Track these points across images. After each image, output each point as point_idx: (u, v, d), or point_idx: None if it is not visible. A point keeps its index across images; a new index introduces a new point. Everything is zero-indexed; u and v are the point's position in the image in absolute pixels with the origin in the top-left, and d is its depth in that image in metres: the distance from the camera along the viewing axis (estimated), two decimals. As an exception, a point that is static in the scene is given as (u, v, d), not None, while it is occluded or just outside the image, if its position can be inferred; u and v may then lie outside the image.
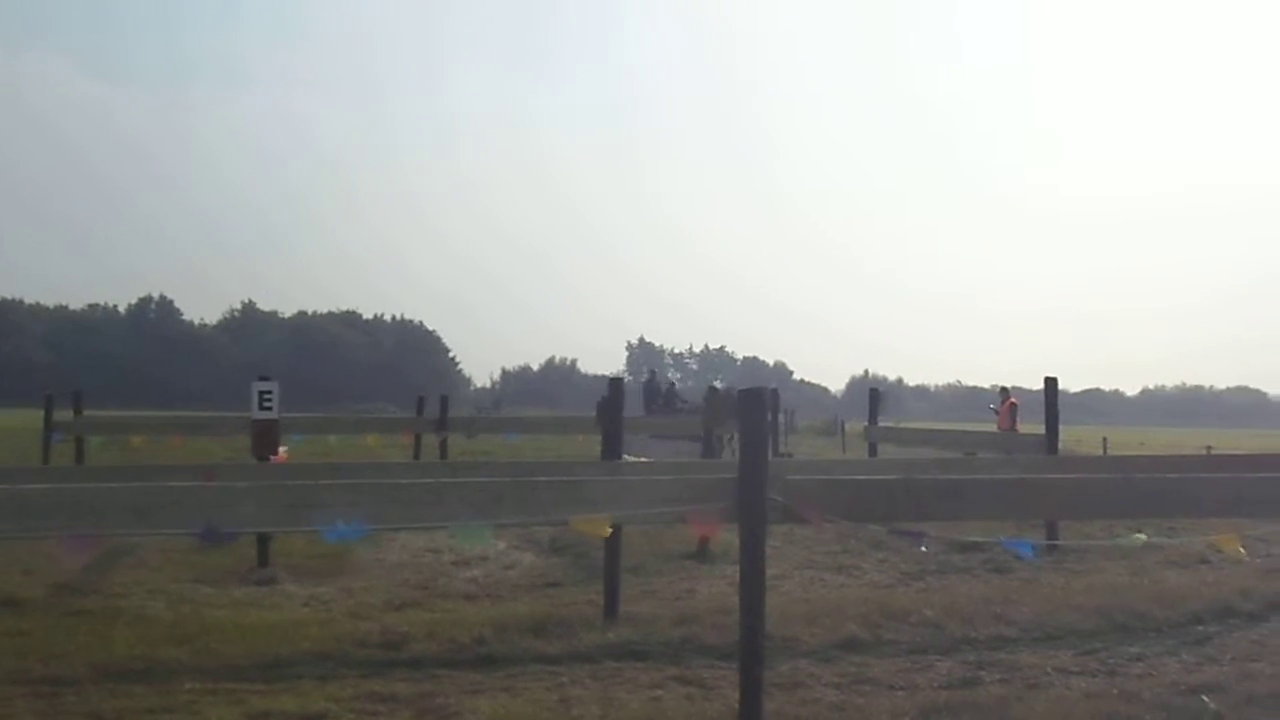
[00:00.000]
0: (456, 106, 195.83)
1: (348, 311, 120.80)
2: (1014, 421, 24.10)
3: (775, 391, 18.95)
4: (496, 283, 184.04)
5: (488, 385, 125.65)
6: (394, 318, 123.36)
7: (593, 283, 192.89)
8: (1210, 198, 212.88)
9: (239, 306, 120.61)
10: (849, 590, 9.56)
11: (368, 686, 6.35)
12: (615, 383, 9.27)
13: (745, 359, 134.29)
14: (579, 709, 5.94)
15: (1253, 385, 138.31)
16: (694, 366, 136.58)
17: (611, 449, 8.66)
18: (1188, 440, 39.64)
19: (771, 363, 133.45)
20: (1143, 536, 6.77)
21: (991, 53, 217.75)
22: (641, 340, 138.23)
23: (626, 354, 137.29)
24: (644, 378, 36.40)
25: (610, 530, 5.73)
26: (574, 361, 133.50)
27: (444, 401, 19.06)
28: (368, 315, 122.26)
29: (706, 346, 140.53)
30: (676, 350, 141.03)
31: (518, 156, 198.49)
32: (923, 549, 6.43)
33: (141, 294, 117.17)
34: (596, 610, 8.24)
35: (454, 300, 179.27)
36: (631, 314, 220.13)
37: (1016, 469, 10.05)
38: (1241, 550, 6.90)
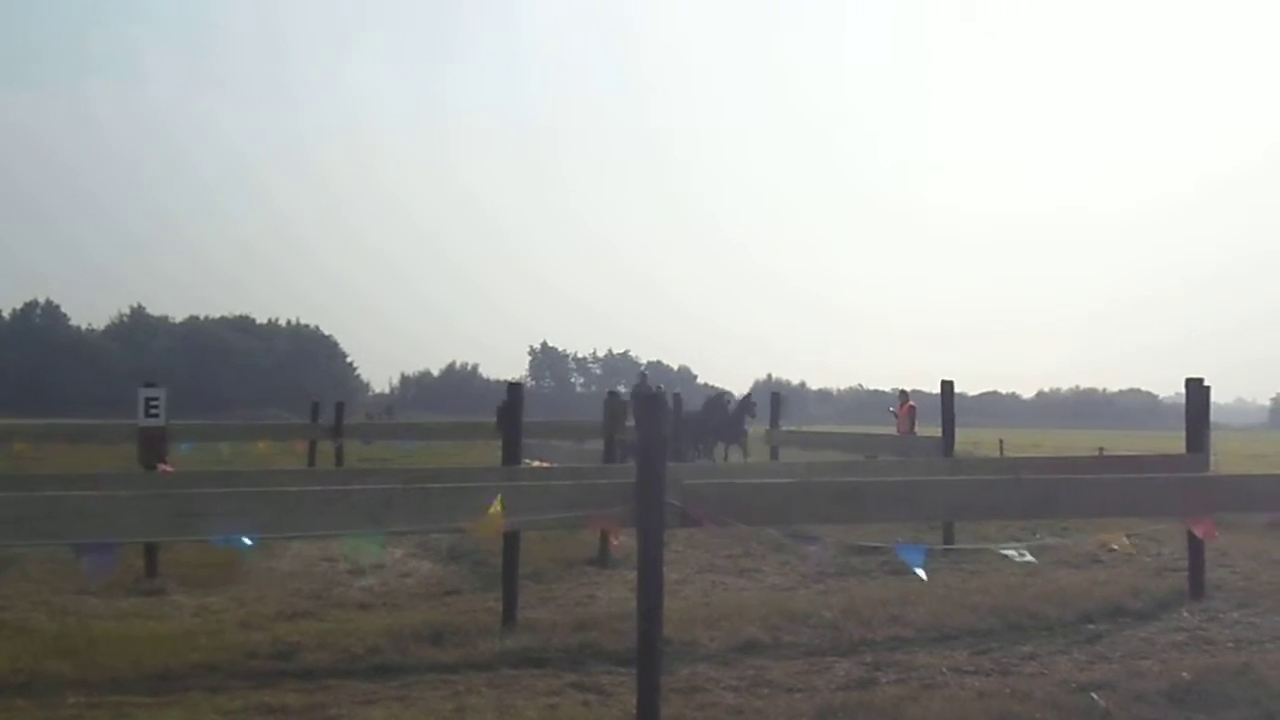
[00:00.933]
0: (364, 108, 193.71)
1: (241, 316, 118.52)
2: (913, 424, 24.53)
3: (678, 395, 19.09)
4: (398, 286, 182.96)
5: (386, 390, 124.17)
6: (289, 322, 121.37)
7: (496, 286, 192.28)
8: (1105, 214, 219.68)
9: (128, 311, 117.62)
10: (749, 593, 9.65)
11: (258, 698, 6.25)
12: (514, 387, 9.25)
13: (650, 363, 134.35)
14: (474, 717, 5.91)
15: (1144, 388, 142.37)
16: (598, 371, 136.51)
17: (510, 455, 8.65)
18: (1081, 442, 40.67)
19: (676, 367, 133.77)
20: (1027, 556, 6.97)
21: (898, 74, 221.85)
22: (545, 345, 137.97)
23: (529, 359, 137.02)
24: (634, 381, 30.73)
25: (502, 526, 5.66)
26: (475, 367, 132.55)
27: (339, 408, 18.85)
28: (262, 320, 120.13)
29: (610, 351, 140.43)
30: (580, 355, 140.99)
31: (424, 158, 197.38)
32: (812, 553, 6.49)
33: (27, 298, 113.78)
34: (494, 618, 8.21)
35: (353, 304, 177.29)
36: (535, 318, 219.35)
37: (913, 471, 10.24)
38: (1125, 542, 7.11)
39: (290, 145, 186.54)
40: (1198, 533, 8.01)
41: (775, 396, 18.28)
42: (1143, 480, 7.43)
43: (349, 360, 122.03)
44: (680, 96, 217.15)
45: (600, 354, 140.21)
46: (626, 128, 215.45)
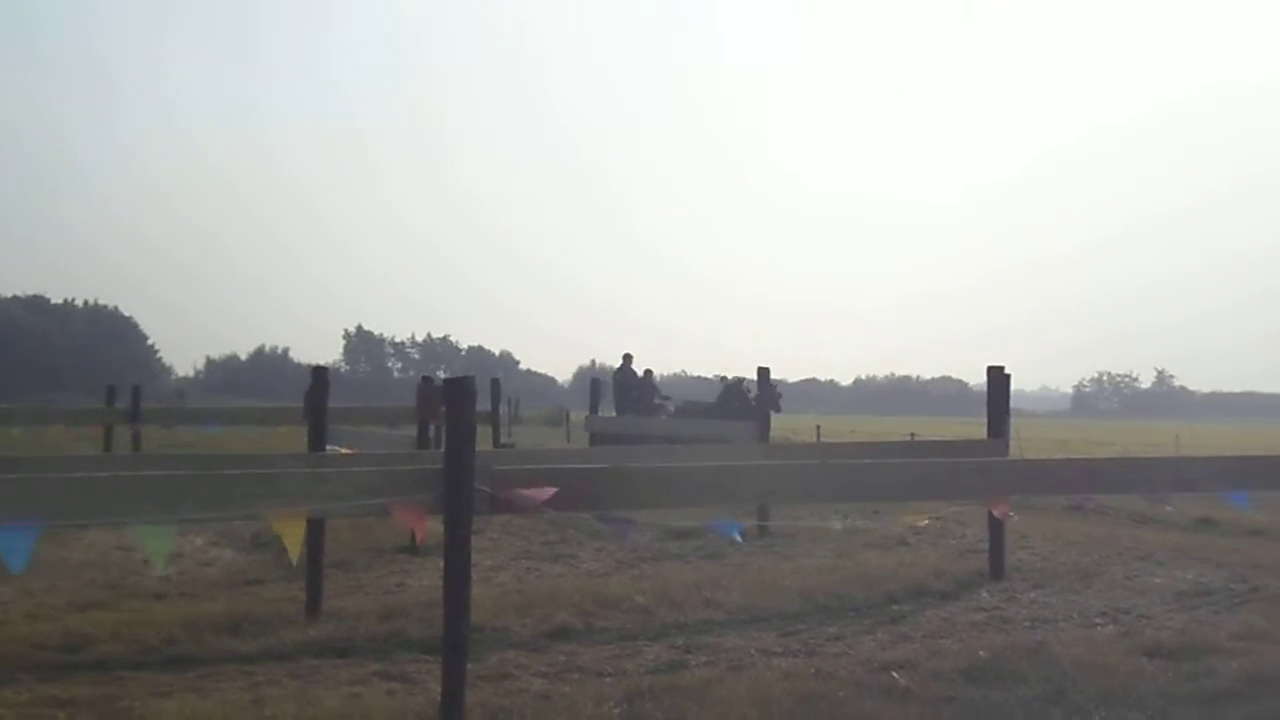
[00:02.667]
0: (178, 78, 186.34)
1: (34, 296, 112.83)
2: (730, 409, 25.07)
3: (496, 381, 18.89)
4: (206, 265, 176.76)
5: (191, 374, 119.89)
6: (86, 303, 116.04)
7: (309, 267, 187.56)
8: (929, 205, 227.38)
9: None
10: (564, 579, 9.71)
11: (45, 691, 6.05)
12: (319, 371, 9.09)
13: (470, 349, 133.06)
14: (273, 708, 5.81)
15: (955, 376, 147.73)
16: (416, 356, 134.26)
17: (316, 440, 8.53)
18: (896, 428, 42.13)
19: (498, 352, 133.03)
20: (839, 524, 7.20)
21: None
22: (360, 329, 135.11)
23: (344, 343, 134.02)
24: (616, 365, 25.51)
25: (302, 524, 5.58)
26: (286, 350, 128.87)
27: (136, 391, 18.21)
28: (56, 300, 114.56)
29: (429, 336, 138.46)
30: (398, 339, 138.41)
31: (241, 134, 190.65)
32: (625, 539, 6.59)
33: None
34: (298, 607, 8.09)
35: (158, 284, 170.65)
36: (350, 301, 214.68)
37: (728, 456, 10.45)
38: (928, 523, 7.41)
39: (100, 129, 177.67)
40: (996, 514, 8.41)
41: (595, 383, 18.42)
42: (944, 464, 7.76)
43: (150, 343, 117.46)
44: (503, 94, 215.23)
45: (419, 338, 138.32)
46: (436, 114, 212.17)
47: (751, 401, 21.80)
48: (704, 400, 24.04)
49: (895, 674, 6.44)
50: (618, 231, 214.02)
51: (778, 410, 22.81)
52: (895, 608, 8.63)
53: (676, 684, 6.20)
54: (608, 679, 6.43)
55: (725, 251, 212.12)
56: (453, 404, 5.37)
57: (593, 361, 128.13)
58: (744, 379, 22.36)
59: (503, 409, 20.80)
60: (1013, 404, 10.77)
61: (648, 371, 24.66)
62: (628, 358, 24.26)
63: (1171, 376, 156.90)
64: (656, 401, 24.05)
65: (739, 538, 6.75)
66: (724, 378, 26.88)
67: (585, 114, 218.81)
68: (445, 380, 5.59)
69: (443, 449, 5.68)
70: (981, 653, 6.96)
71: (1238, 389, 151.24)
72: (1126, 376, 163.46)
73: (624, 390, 24.11)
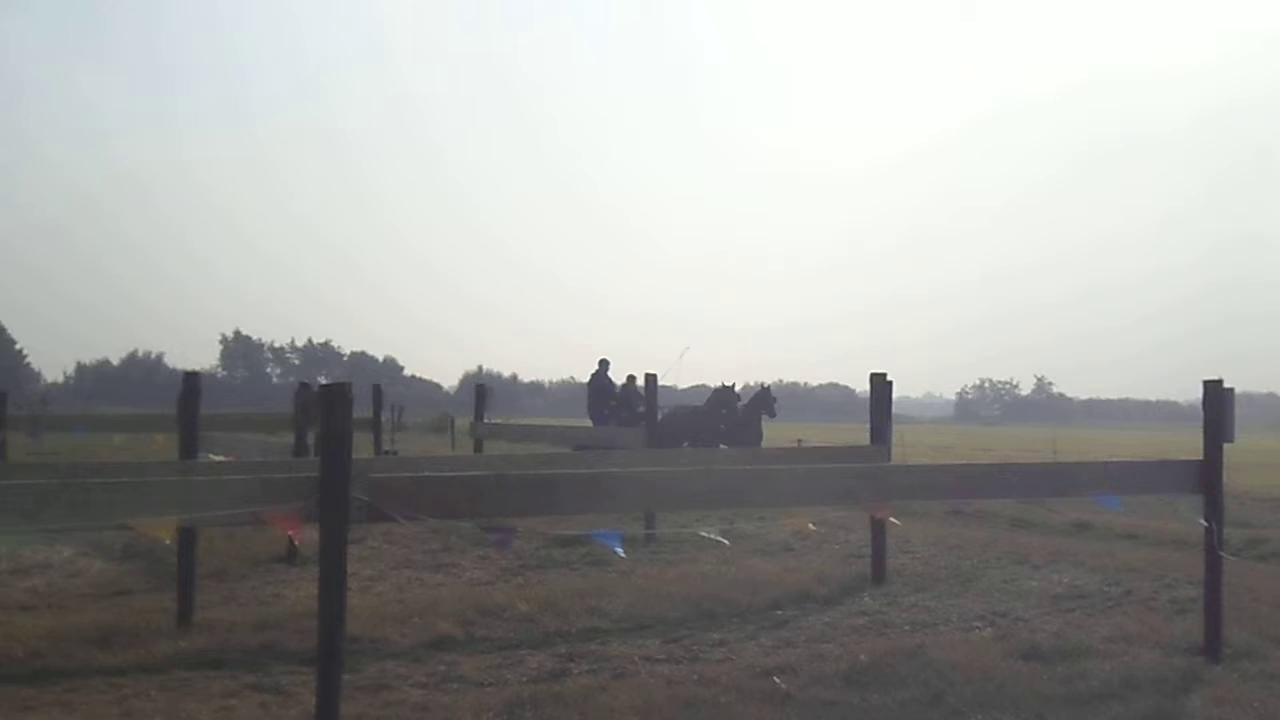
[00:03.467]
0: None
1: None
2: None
3: (378, 387, 18.62)
4: (76, 268, 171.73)
5: (61, 380, 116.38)
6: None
7: (184, 270, 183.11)
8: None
9: None
10: (445, 589, 9.64)
11: (-100, 708, 5.84)
12: (191, 376, 8.93)
13: (353, 354, 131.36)
14: (142, 721, 5.69)
15: (842, 383, 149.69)
16: (296, 362, 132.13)
17: (187, 448, 8.37)
18: (783, 433, 42.46)
19: (381, 358, 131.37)
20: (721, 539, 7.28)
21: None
22: (237, 333, 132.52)
23: (221, 348, 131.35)
24: (593, 370, 23.30)
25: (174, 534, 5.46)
26: (160, 356, 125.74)
27: (1, 397, 17.59)
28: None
29: (310, 340, 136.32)
30: (277, 344, 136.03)
31: (81, 130, 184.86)
32: (507, 548, 6.54)
33: None
34: (170, 618, 7.94)
35: (26, 287, 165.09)
36: (226, 306, 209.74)
37: (614, 463, 10.47)
38: (811, 528, 7.50)
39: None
40: (877, 519, 8.56)
41: (480, 389, 18.28)
42: (825, 470, 7.86)
43: (18, 348, 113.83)
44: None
45: (299, 344, 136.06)
46: (319, 93, 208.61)
47: (739, 408, 22.35)
48: (690, 406, 23.53)
49: (777, 679, 6.52)
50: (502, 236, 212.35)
51: (772, 415, 22.59)
52: (779, 613, 8.74)
53: (558, 693, 6.20)
54: (488, 689, 6.41)
55: (597, 265, 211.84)
56: (328, 411, 5.29)
57: (480, 367, 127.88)
58: (733, 386, 22.68)
59: (385, 416, 20.56)
60: (898, 410, 10.99)
61: (630, 378, 22.65)
62: (604, 363, 22.86)
63: (1050, 384, 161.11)
64: (641, 410, 21.21)
65: (619, 550, 6.76)
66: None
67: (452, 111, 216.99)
68: (321, 386, 5.51)
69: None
70: (862, 657, 7.09)
71: (1114, 396, 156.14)
72: (1007, 384, 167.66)
73: (600, 398, 22.69)
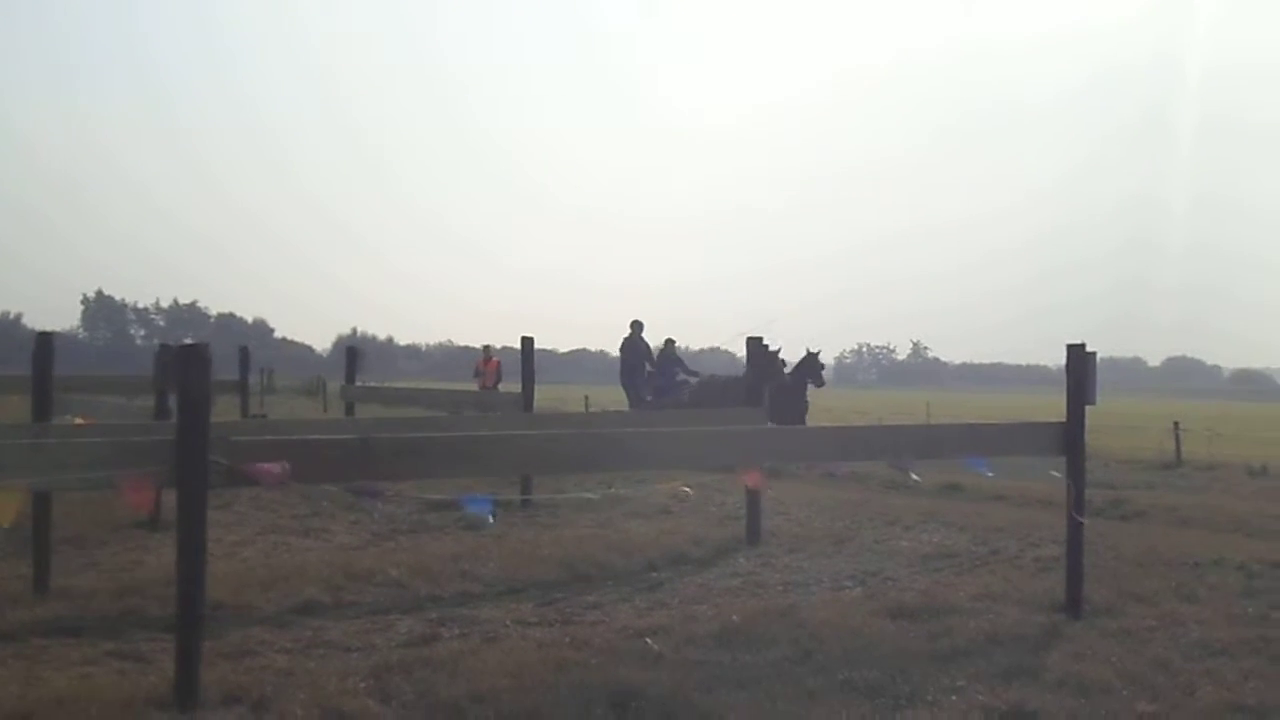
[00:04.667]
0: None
1: None
2: (499, 380, 25.06)
3: (245, 349, 18.24)
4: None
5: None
6: None
7: (44, 227, 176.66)
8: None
9: None
10: (314, 554, 9.53)
11: None
12: (44, 337, 8.66)
13: (220, 316, 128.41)
14: (-4, 690, 5.54)
15: (725, 347, 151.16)
16: (161, 324, 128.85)
17: (41, 410, 8.13)
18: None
19: (250, 319, 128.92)
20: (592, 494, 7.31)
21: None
22: (100, 294, 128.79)
23: (82, 309, 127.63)
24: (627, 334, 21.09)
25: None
26: (19, 316, 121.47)
27: None
28: None
29: (176, 301, 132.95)
30: (141, 305, 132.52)
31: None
32: (374, 513, 6.46)
33: None
34: (26, 585, 7.73)
35: None
36: (91, 265, 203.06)
37: (490, 426, 10.45)
38: (686, 490, 7.58)
39: None
40: (749, 482, 8.68)
41: (351, 351, 18.07)
42: (704, 432, 7.95)
43: None
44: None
45: (164, 304, 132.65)
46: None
47: (785, 374, 18.93)
48: (725, 376, 20.03)
49: (649, 640, 6.60)
50: (385, 186, 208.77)
51: (819, 384, 20.05)
52: (654, 575, 8.84)
53: (428, 657, 6.19)
54: (355, 654, 6.37)
55: (485, 217, 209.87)
56: (185, 372, 5.19)
57: (354, 330, 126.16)
58: (778, 350, 18.18)
59: (253, 379, 20.20)
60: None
61: (669, 341, 21.16)
62: (637, 325, 20.89)
63: (927, 348, 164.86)
64: (680, 378, 20.70)
65: (490, 518, 6.76)
66: (487, 347, 26.63)
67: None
68: (179, 347, 5.40)
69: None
70: (734, 617, 7.21)
71: (988, 361, 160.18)
72: (884, 348, 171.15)
73: (634, 364, 20.75)
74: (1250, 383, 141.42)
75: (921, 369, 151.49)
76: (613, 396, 43.93)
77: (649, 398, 20.36)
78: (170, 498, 5.64)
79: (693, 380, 20.54)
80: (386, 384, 26.31)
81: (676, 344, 21.62)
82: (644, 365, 20.86)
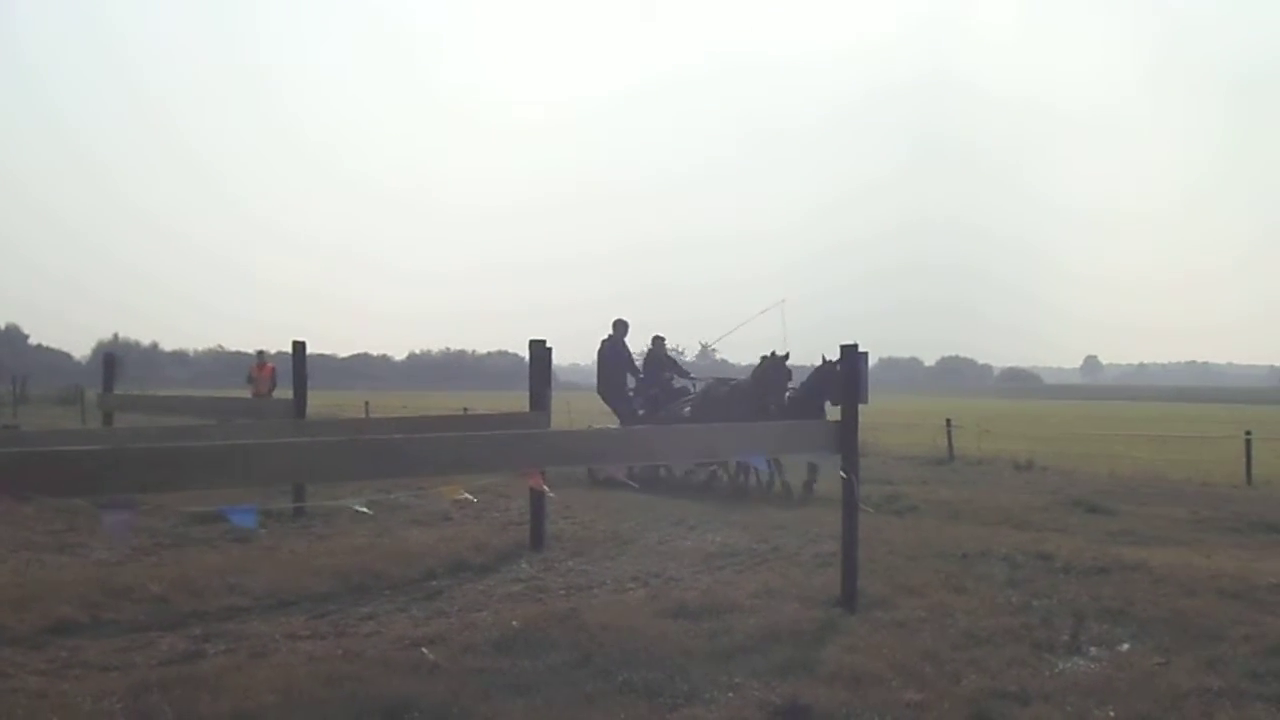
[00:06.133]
0: None
1: None
2: (273, 387, 24.46)
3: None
4: None
5: None
6: None
7: None
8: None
9: None
10: (69, 570, 9.10)
11: None
12: None
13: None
14: None
15: (511, 350, 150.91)
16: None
17: None
18: (450, 402, 42.35)
19: (3, 326, 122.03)
20: (365, 508, 7.23)
21: None
22: None
23: None
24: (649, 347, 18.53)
25: None
26: None
27: None
28: None
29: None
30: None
31: None
32: (123, 531, 6.16)
33: None
34: None
35: None
36: None
37: (260, 434, 10.19)
38: (466, 495, 7.52)
39: None
40: (531, 485, 8.71)
41: (109, 358, 17.37)
42: (481, 437, 7.91)
43: None
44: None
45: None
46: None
47: (788, 382, 16.11)
48: (730, 381, 17.56)
49: (425, 650, 6.55)
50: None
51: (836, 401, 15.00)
52: (433, 583, 8.78)
53: (190, 675, 6.01)
54: (113, 674, 6.13)
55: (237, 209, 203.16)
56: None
57: (115, 336, 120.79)
58: (785, 356, 16.04)
59: (4, 388, 19.19)
60: (569, 377, 11.21)
61: (657, 340, 18.14)
62: (620, 326, 17.99)
63: (714, 350, 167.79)
64: (678, 384, 18.05)
65: (253, 525, 6.56)
66: (261, 353, 25.96)
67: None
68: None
69: None
70: (515, 623, 7.21)
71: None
72: (674, 351, 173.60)
73: (613, 373, 17.96)
74: (1018, 380, 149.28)
75: (710, 371, 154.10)
76: (398, 401, 43.35)
77: (641, 411, 17.83)
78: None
79: (694, 386, 17.94)
80: (150, 392, 25.35)
81: (665, 341, 18.49)
82: (627, 375, 18.11)
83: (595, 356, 18.40)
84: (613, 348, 17.94)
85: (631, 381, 18.00)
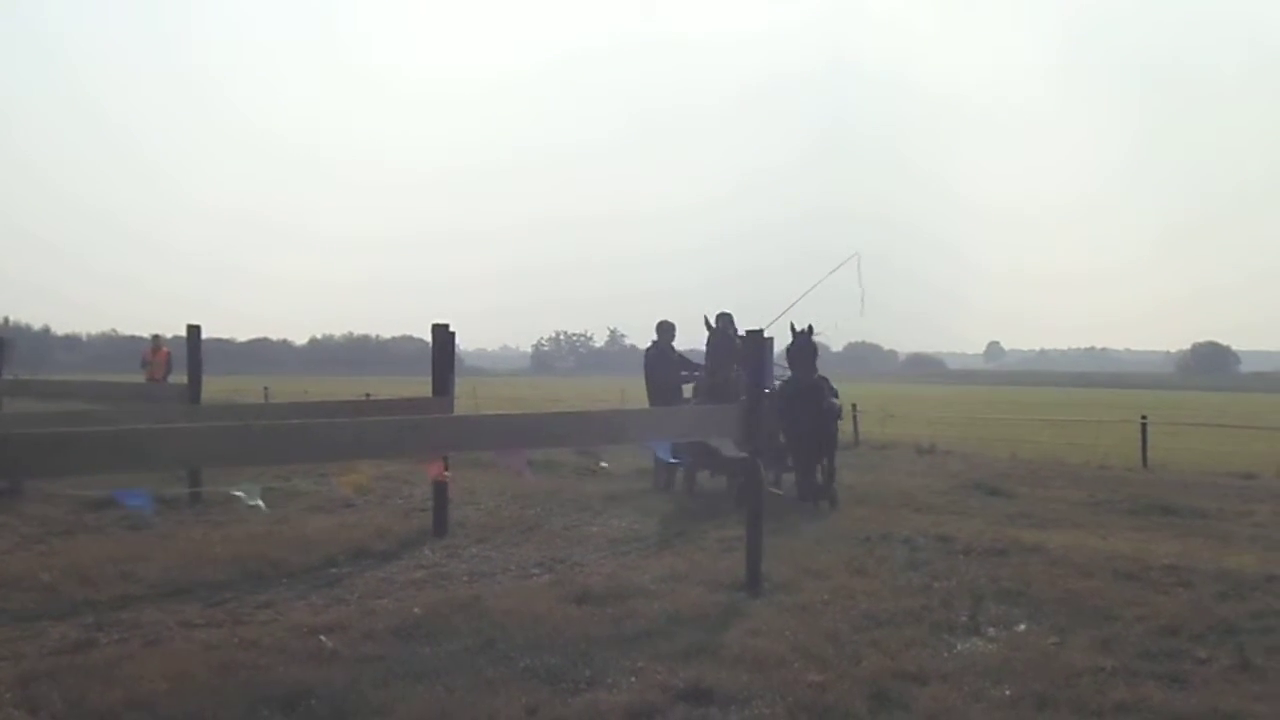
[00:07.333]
0: None
1: None
2: (169, 371, 24.03)
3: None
4: None
5: None
6: None
7: None
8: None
9: None
10: (-45, 561, 8.91)
11: None
12: None
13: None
14: None
15: (415, 335, 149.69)
16: None
17: None
18: (352, 387, 41.98)
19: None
20: (259, 501, 7.15)
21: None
22: None
23: None
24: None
25: None
26: None
27: None
28: None
29: None
30: None
31: None
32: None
33: None
34: None
35: None
36: None
37: (154, 419, 10.01)
38: (364, 482, 7.47)
39: None
40: (429, 472, 8.67)
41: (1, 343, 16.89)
42: (380, 423, 7.85)
43: None
44: None
45: None
46: None
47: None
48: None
49: (324, 637, 6.51)
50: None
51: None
52: (333, 571, 8.70)
53: (81, 664, 5.93)
54: (2, 664, 6.00)
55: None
56: None
57: (5, 319, 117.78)
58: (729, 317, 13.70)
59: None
60: (475, 363, 11.17)
61: (724, 317, 13.88)
62: (666, 329, 15.47)
63: (623, 335, 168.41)
64: (682, 374, 15.40)
65: (145, 510, 6.46)
66: (156, 337, 25.42)
67: None
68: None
69: None
70: (416, 610, 7.20)
71: (686, 348, 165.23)
72: (582, 335, 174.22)
73: (663, 379, 15.12)
74: (923, 365, 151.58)
75: (619, 356, 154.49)
76: (299, 386, 42.85)
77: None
78: None
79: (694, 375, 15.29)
80: (40, 377, 24.74)
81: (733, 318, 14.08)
82: (677, 373, 15.39)
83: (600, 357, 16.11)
84: (659, 354, 15.55)
85: (688, 390, 15.31)
